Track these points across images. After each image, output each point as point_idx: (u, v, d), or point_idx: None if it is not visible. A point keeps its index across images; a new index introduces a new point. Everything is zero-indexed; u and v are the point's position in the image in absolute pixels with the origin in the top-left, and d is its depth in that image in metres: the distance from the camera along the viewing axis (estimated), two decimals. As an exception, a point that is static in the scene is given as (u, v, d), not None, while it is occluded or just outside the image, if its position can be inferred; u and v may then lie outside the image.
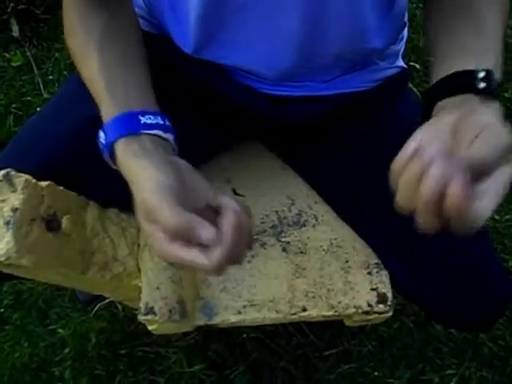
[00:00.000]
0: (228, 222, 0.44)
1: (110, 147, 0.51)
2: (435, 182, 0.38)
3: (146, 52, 0.58)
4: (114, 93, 0.52)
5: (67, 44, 0.58)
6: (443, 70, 0.52)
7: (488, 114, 0.45)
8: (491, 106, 0.47)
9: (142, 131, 0.50)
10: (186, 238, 0.43)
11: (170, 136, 0.53)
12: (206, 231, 0.43)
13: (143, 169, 0.47)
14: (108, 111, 0.52)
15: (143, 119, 0.50)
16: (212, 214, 0.46)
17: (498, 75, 0.50)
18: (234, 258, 0.45)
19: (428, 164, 0.39)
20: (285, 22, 0.56)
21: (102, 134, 0.51)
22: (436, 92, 0.52)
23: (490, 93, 0.48)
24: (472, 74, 0.49)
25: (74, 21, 0.57)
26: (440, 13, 0.58)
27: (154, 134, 0.51)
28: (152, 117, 0.51)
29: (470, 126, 0.42)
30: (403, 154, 0.41)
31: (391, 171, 0.42)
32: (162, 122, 0.52)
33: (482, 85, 0.48)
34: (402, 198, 0.41)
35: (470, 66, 0.50)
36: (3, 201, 0.49)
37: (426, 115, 0.51)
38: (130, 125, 0.50)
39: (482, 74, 0.48)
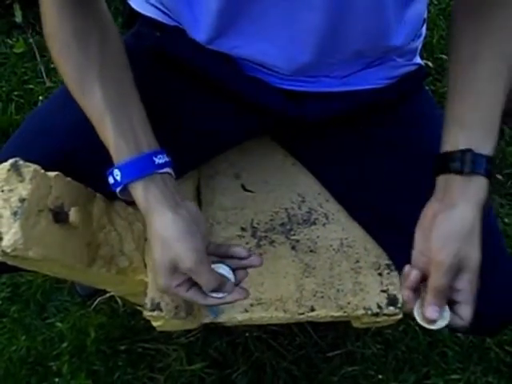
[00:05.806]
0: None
1: (125, 185, 0.54)
2: None
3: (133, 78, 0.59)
4: (124, 132, 0.54)
5: (52, 48, 0.56)
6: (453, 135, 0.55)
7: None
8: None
9: (155, 171, 0.54)
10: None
11: (172, 170, 0.57)
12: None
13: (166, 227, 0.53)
14: (120, 150, 0.53)
15: (156, 160, 0.54)
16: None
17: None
18: None
19: None
20: (308, 15, 0.54)
21: (117, 172, 0.53)
22: (442, 164, 0.55)
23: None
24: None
25: (67, 32, 0.55)
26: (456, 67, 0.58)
27: (165, 172, 0.55)
28: (161, 156, 0.55)
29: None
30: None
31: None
32: (168, 160, 0.56)
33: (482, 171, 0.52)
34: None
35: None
36: (11, 190, 0.47)
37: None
38: (145, 167, 0.53)
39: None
